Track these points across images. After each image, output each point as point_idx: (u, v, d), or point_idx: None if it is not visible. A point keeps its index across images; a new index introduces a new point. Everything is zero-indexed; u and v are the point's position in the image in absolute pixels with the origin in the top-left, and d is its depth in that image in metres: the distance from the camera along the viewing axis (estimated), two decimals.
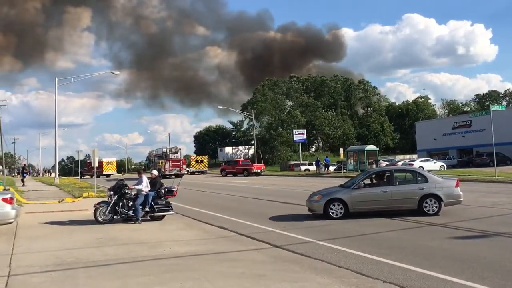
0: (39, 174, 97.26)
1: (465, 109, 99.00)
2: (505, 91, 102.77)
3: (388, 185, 13.35)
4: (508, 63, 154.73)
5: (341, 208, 13.03)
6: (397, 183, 13.46)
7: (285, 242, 10.06)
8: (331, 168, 51.26)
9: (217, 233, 11.70)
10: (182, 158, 54.88)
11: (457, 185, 13.38)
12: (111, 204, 13.61)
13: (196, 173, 64.28)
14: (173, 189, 14.45)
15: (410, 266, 7.52)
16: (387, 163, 49.62)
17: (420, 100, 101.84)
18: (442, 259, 7.97)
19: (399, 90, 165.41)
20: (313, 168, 57.32)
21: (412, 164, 43.24)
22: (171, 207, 14.18)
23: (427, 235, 10.52)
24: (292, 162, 66.29)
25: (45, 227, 13.33)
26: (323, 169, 49.71)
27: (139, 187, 13.83)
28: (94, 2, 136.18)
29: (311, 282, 6.72)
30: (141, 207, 13.66)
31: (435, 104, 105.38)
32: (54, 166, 46.48)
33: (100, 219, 13.49)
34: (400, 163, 45.44)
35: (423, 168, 42.47)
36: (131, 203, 13.72)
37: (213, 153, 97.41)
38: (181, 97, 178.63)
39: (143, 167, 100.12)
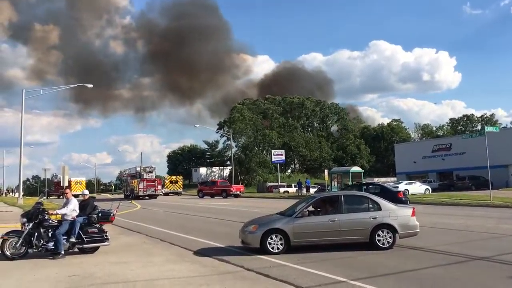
0: (1, 193, 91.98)
1: (439, 133, 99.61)
2: (482, 115, 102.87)
3: (336, 213, 11.28)
4: (471, 90, 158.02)
5: (281, 241, 10.90)
6: (347, 211, 11.36)
7: (310, 282, 8.04)
8: (312, 190, 49.84)
9: (218, 268, 9.58)
10: (156, 178, 52.39)
11: (413, 214, 11.43)
12: (24, 234, 10.84)
13: (170, 194, 61.69)
14: (111, 213, 11.92)
15: None
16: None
17: (394, 123, 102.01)
18: None
19: (367, 114, 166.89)
20: (292, 189, 55.68)
21: (397, 187, 42.08)
22: (106, 236, 11.47)
23: (483, 272, 8.67)
24: (270, 184, 64.34)
25: (2, 258, 10.90)
26: (304, 190, 48.37)
27: (61, 211, 11.28)
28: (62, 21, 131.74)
29: None
30: (65, 237, 11.05)
31: (408, 128, 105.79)
32: (18, 185, 43.15)
33: (8, 253, 10.72)
34: None
35: (408, 192, 41.56)
36: (52, 232, 11.02)
37: (187, 174, 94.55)
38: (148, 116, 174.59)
39: (113, 187, 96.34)
